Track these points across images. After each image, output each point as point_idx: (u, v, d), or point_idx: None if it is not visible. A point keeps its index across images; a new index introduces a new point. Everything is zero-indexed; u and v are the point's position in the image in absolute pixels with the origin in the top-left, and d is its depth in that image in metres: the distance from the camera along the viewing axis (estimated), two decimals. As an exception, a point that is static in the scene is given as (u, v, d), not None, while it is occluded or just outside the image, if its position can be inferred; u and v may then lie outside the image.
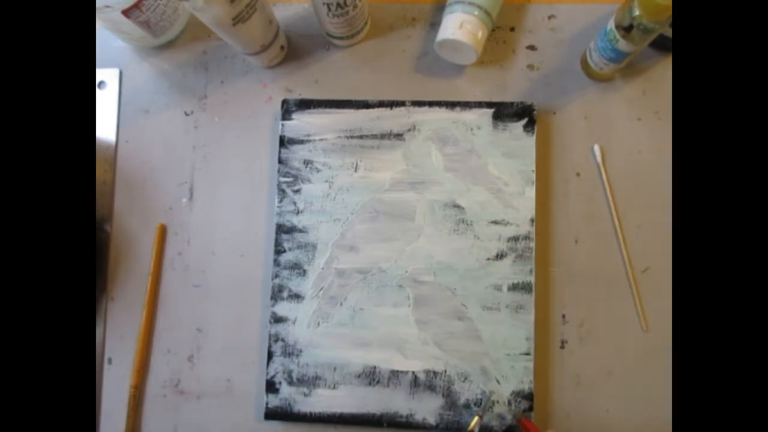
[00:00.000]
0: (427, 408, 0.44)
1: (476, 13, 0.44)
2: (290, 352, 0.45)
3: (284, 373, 0.45)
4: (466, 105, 0.47)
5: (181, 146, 0.49)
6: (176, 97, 0.50)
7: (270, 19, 0.44)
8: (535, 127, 0.46)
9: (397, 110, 0.47)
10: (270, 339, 0.45)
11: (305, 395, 0.44)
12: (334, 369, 0.45)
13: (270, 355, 0.45)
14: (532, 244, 0.45)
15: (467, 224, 0.45)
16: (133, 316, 0.47)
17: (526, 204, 0.45)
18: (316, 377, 0.44)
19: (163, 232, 0.48)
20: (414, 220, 0.46)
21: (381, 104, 0.47)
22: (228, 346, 0.47)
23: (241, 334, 0.47)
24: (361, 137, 0.47)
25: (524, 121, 0.46)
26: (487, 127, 0.46)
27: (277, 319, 0.45)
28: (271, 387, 0.45)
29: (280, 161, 0.47)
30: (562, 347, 0.45)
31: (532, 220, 0.45)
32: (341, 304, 0.45)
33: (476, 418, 0.41)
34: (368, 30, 0.49)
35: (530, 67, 0.49)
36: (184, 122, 0.50)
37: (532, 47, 0.49)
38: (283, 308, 0.45)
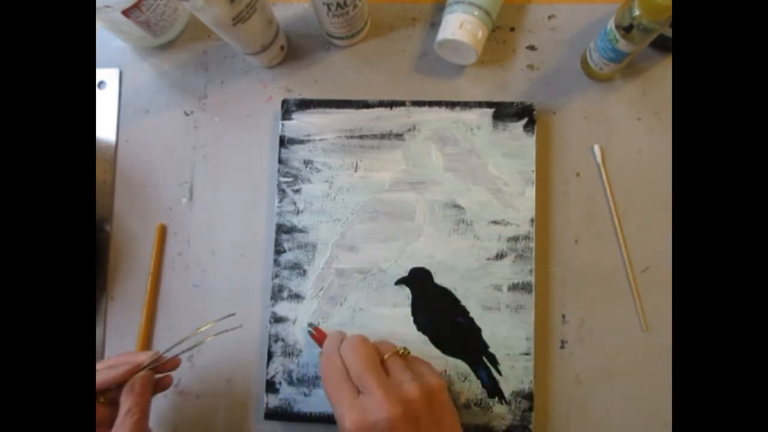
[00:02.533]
0: (427, 408, 0.44)
1: (476, 13, 0.44)
2: (290, 352, 0.45)
3: (284, 373, 0.45)
4: (466, 105, 0.47)
5: (181, 146, 0.49)
6: (176, 97, 0.50)
7: (270, 19, 0.44)
8: (535, 127, 0.46)
9: (397, 110, 0.47)
10: (270, 339, 0.45)
11: (305, 395, 0.44)
12: (334, 369, 0.44)
13: (270, 355, 0.45)
14: (532, 244, 0.45)
15: (467, 224, 0.45)
16: (133, 316, 0.47)
17: (526, 204, 0.45)
18: (316, 377, 0.44)
19: (163, 232, 0.48)
20: (414, 220, 0.46)
21: (381, 104, 0.47)
22: (228, 346, 0.47)
23: (241, 334, 0.47)
24: (361, 137, 0.47)
25: (524, 121, 0.46)
26: (487, 127, 0.46)
27: (277, 319, 0.45)
28: (271, 387, 0.45)
29: (280, 161, 0.47)
30: (562, 347, 0.45)
31: (532, 220, 0.45)
32: (341, 304, 0.45)
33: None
34: (368, 30, 0.49)
35: (530, 67, 0.49)
36: (184, 122, 0.50)
37: (532, 47, 0.49)
38: (283, 308, 0.45)
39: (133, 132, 0.50)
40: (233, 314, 0.41)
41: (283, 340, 0.45)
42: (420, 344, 0.44)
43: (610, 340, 0.45)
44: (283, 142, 0.47)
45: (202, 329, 0.39)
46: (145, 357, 0.38)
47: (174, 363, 0.40)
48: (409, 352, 0.38)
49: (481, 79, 0.49)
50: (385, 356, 0.36)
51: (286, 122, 0.47)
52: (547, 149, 0.47)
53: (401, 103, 0.47)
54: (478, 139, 0.46)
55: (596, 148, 0.47)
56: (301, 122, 0.47)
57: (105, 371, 0.36)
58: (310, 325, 0.44)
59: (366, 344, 0.37)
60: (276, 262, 0.46)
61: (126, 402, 0.36)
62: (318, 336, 0.41)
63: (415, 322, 0.45)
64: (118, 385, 0.37)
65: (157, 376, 0.39)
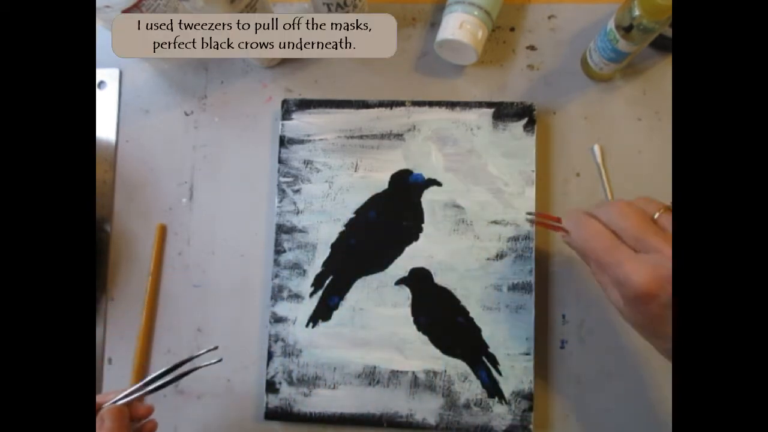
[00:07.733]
0: (427, 408, 0.44)
1: (476, 13, 0.44)
2: (290, 352, 0.45)
3: (284, 373, 0.45)
4: (466, 105, 0.47)
5: (181, 146, 0.49)
6: (176, 97, 0.50)
7: (270, 19, 0.44)
8: (535, 127, 0.46)
9: (397, 110, 0.47)
10: (270, 339, 0.45)
11: (305, 395, 0.44)
12: (334, 369, 0.44)
13: (270, 355, 0.45)
14: (532, 244, 0.45)
15: (467, 224, 0.45)
16: (133, 316, 0.47)
17: (526, 204, 0.45)
18: (316, 377, 0.44)
19: (163, 232, 0.48)
20: (414, 220, 0.46)
21: (381, 104, 0.47)
22: (228, 346, 0.47)
23: (241, 334, 0.47)
24: (361, 137, 0.47)
25: (524, 121, 0.46)
26: (487, 127, 0.46)
27: (277, 319, 0.45)
28: (271, 387, 0.45)
29: (280, 161, 0.47)
30: (562, 347, 0.45)
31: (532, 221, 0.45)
32: (341, 304, 0.45)
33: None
34: (368, 30, 0.49)
35: (530, 67, 0.49)
36: (184, 122, 0.50)
37: (532, 47, 0.49)
38: (283, 308, 0.45)
39: (133, 132, 0.50)
40: (216, 348, 0.40)
41: (283, 340, 0.45)
42: (420, 344, 0.44)
43: (610, 340, 0.45)
44: (283, 142, 0.47)
45: (182, 368, 0.38)
46: (112, 394, 0.36)
47: (146, 410, 0.37)
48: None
49: (481, 79, 0.49)
50: (655, 215, 0.33)
51: (286, 122, 0.47)
52: (547, 149, 0.47)
53: (401, 103, 0.47)
54: (478, 139, 0.46)
55: (596, 148, 0.47)
56: (301, 122, 0.47)
57: None
58: (530, 213, 0.43)
59: (633, 206, 0.33)
60: (276, 262, 0.46)
61: None
62: (546, 218, 0.38)
63: (415, 322, 0.45)
64: None
65: (136, 424, 0.37)
